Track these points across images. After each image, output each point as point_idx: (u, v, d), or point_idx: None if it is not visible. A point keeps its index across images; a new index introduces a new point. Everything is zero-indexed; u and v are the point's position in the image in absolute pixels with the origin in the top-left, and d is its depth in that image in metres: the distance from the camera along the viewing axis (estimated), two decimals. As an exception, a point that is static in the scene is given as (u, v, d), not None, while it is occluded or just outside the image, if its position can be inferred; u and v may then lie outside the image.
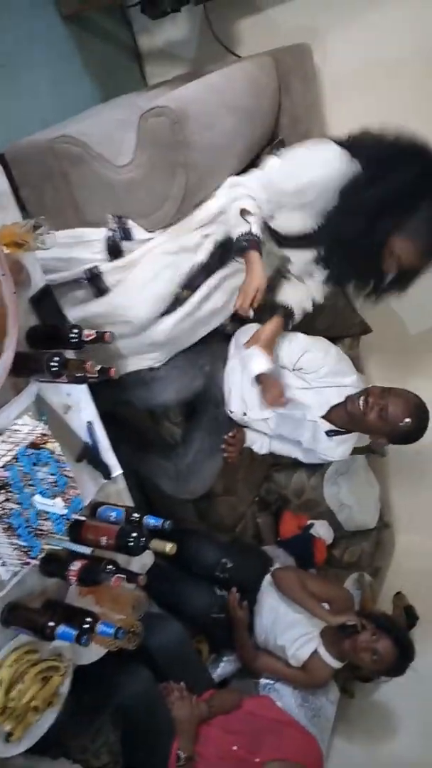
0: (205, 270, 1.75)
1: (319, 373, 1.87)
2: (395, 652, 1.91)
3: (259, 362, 1.78)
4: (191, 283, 1.74)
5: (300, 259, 1.82)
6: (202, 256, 1.72)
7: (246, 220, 1.60)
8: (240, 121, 1.78)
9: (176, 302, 1.73)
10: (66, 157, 1.66)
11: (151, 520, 1.44)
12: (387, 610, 2.55)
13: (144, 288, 1.67)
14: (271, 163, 1.70)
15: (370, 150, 1.58)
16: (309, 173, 1.60)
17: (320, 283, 1.88)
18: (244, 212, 1.61)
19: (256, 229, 1.59)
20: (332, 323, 2.29)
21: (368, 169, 1.55)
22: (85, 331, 1.29)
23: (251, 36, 2.23)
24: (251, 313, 1.60)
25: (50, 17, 2.06)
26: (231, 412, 2.03)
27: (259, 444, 2.10)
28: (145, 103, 1.78)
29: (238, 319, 2.14)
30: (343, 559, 2.62)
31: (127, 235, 1.66)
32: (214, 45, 2.23)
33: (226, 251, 1.75)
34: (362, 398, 1.78)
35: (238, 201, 1.62)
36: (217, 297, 1.81)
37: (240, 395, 1.99)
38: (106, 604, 1.44)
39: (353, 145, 1.60)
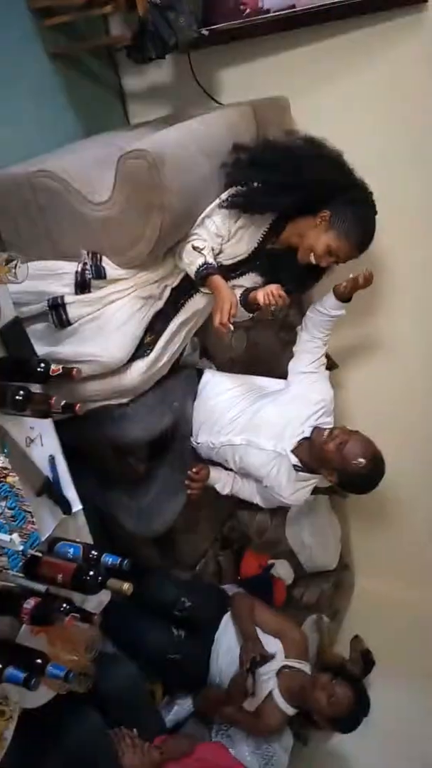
0: (164, 316, 1.81)
1: (317, 403, 1.93)
2: (352, 698, 1.91)
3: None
4: (153, 327, 1.78)
5: (248, 282, 1.94)
6: (161, 303, 1.79)
7: (200, 254, 1.71)
8: (217, 166, 1.82)
9: (141, 347, 1.76)
10: (44, 191, 1.68)
11: (109, 558, 1.42)
12: (344, 652, 2.54)
13: (119, 330, 1.69)
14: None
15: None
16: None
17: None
18: (195, 249, 1.72)
19: (210, 259, 1.73)
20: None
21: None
22: (52, 366, 1.29)
23: (233, 85, 2.32)
24: (231, 327, 1.67)
25: (37, 53, 2.10)
26: (198, 443, 2.03)
27: (221, 484, 2.11)
28: (126, 143, 1.82)
29: (207, 356, 2.18)
30: (302, 599, 2.61)
31: (98, 273, 1.67)
32: (196, 90, 2.30)
33: (179, 295, 1.83)
34: (329, 430, 1.85)
35: (189, 242, 1.74)
36: (177, 342, 1.88)
37: (212, 422, 2.00)
38: (59, 643, 1.40)
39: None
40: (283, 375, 2.05)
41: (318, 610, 2.64)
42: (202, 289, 1.80)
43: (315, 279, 2.01)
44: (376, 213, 1.81)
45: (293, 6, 2.05)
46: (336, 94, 2.11)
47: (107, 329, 1.68)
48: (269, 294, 1.75)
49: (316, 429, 1.87)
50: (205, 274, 1.70)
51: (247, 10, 2.11)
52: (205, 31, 2.11)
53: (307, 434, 1.88)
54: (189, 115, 2.07)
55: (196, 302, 1.90)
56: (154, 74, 2.41)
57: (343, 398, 2.69)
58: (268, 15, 2.09)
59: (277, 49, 2.19)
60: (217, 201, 1.79)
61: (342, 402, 2.69)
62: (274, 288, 1.76)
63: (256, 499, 2.09)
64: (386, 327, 2.50)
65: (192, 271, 1.73)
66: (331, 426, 1.92)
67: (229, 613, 2.13)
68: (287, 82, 2.17)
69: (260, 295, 1.77)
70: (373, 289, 1.96)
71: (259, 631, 2.01)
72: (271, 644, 2.00)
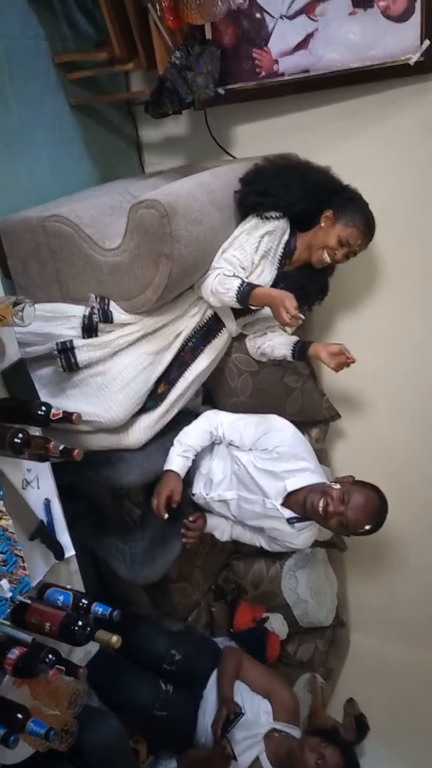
0: (180, 364, 1.84)
1: (275, 453, 1.86)
2: (342, 765, 1.83)
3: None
4: (167, 376, 1.81)
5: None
6: (173, 352, 1.81)
7: (234, 277, 1.78)
8: (227, 218, 1.87)
9: (152, 397, 1.78)
10: (56, 235, 1.71)
11: (99, 608, 1.40)
12: (338, 715, 2.45)
13: (124, 390, 1.71)
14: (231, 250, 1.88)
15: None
16: (249, 237, 1.88)
17: None
18: (227, 276, 1.78)
19: (244, 278, 1.81)
20: (301, 407, 2.32)
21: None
22: (53, 410, 1.29)
23: (246, 140, 2.39)
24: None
25: (59, 104, 2.18)
26: (193, 494, 2.01)
27: (220, 531, 2.07)
28: (139, 191, 1.87)
29: (211, 401, 2.18)
30: (295, 656, 2.53)
31: (106, 317, 1.69)
32: (211, 143, 2.37)
33: (197, 341, 1.88)
34: (321, 502, 1.76)
35: (215, 275, 1.80)
36: (189, 393, 1.89)
37: (206, 474, 1.98)
38: (42, 697, 1.35)
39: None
40: (288, 420, 2.02)
41: (311, 667, 2.55)
42: (250, 307, 1.82)
43: (325, 290, 2.15)
44: (368, 203, 1.95)
45: (307, 71, 2.13)
46: (344, 154, 2.17)
47: (112, 388, 1.70)
48: (340, 360, 1.89)
49: (308, 500, 1.79)
50: (248, 290, 1.75)
51: (263, 73, 2.19)
52: (221, 91, 2.19)
53: (290, 487, 1.84)
54: (202, 167, 2.13)
55: (214, 348, 1.94)
56: (170, 127, 2.49)
57: (343, 450, 2.69)
58: (283, 78, 2.17)
59: (290, 109, 2.26)
60: (231, 238, 1.88)
61: (340, 453, 2.69)
62: (338, 350, 1.89)
63: (259, 543, 2.05)
64: (385, 375, 2.51)
65: (232, 295, 1.76)
66: (308, 467, 1.88)
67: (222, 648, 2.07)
68: (298, 140, 2.24)
69: (329, 361, 1.90)
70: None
71: (247, 689, 1.94)
72: (260, 704, 1.93)
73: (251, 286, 1.76)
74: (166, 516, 1.81)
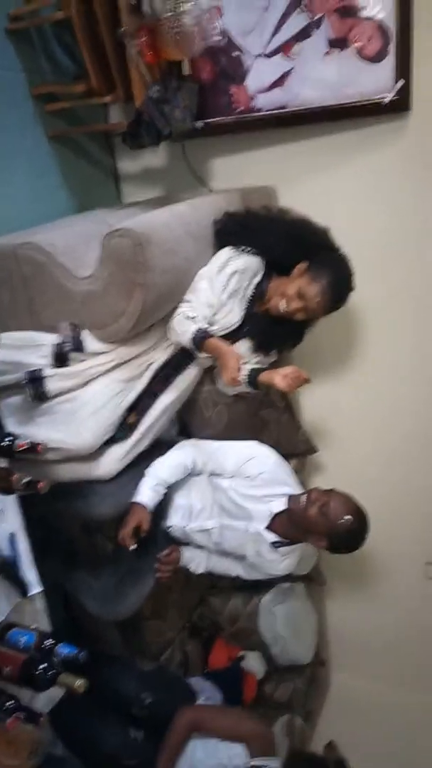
0: (150, 394, 1.82)
1: (259, 480, 1.85)
2: None
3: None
4: (137, 406, 1.79)
5: (241, 349, 1.96)
6: (144, 383, 1.79)
7: (192, 321, 1.76)
8: (203, 249, 1.86)
9: (123, 427, 1.75)
10: (28, 263, 1.69)
11: (64, 649, 1.33)
12: (317, 760, 2.36)
13: (93, 416, 1.68)
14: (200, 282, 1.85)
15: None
16: (218, 273, 1.85)
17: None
18: (188, 318, 1.76)
19: (203, 325, 1.77)
20: (277, 440, 2.29)
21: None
22: (18, 441, 1.25)
23: (223, 173, 2.41)
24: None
25: (37, 135, 2.19)
26: (169, 527, 1.96)
27: (195, 563, 2.02)
28: (115, 221, 1.86)
29: (185, 432, 2.14)
30: (273, 696, 2.45)
31: (78, 346, 1.66)
32: (188, 176, 2.39)
33: (168, 372, 1.86)
34: (304, 495, 1.79)
35: (179, 313, 1.78)
36: (161, 423, 1.87)
37: (184, 506, 1.95)
38: (0, 745, 1.28)
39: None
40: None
41: (290, 709, 2.47)
42: (200, 355, 1.81)
43: (298, 337, 2.06)
44: (351, 273, 1.88)
45: (283, 107, 2.17)
46: (321, 189, 2.22)
47: (81, 414, 1.67)
48: (290, 378, 1.76)
49: (291, 498, 1.82)
50: (201, 338, 1.74)
51: (240, 108, 2.23)
52: (199, 124, 2.22)
53: (274, 510, 1.83)
54: (179, 198, 2.14)
55: (185, 379, 1.91)
56: (148, 158, 2.51)
57: (320, 483, 2.65)
58: (260, 114, 2.21)
59: (266, 144, 2.30)
60: (206, 268, 1.86)
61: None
62: (291, 371, 1.77)
63: (235, 572, 2.01)
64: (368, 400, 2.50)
65: (187, 339, 1.75)
66: (290, 492, 1.86)
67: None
68: (275, 174, 2.27)
69: (280, 382, 1.77)
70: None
71: (217, 742, 1.85)
72: (233, 749, 1.84)
73: (205, 336, 1.74)
74: (133, 547, 1.75)
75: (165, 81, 2.03)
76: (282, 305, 1.86)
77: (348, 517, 1.74)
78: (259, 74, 2.17)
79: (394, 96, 2.02)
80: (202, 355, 1.82)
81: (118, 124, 2.31)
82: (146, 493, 1.80)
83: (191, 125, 2.15)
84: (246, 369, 1.86)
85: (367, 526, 1.81)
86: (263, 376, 1.85)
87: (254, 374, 1.90)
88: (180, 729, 1.86)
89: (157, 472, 1.84)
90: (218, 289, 1.83)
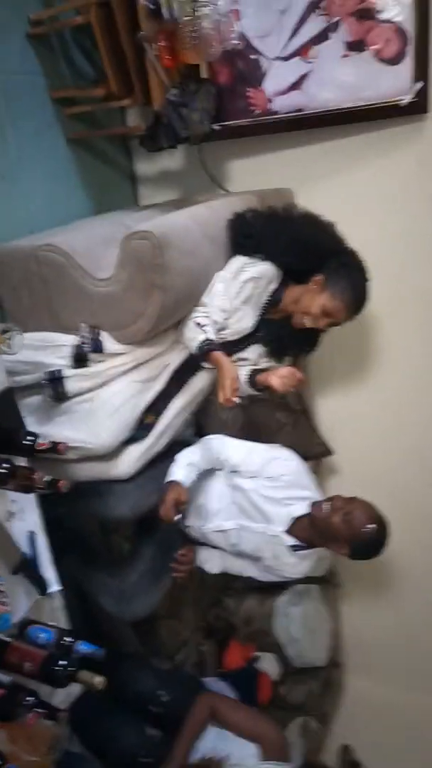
0: (166, 395, 1.81)
1: (281, 482, 1.84)
2: None
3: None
4: (154, 407, 1.79)
5: (253, 354, 1.96)
6: (160, 384, 1.79)
7: (202, 330, 1.74)
8: (221, 250, 1.87)
9: (141, 427, 1.75)
10: (48, 264, 1.71)
11: (83, 647, 1.34)
12: (332, 762, 2.36)
13: (112, 416, 1.69)
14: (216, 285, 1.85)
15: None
16: (233, 279, 1.83)
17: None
18: (198, 325, 1.75)
19: (212, 336, 1.75)
20: (294, 442, 2.29)
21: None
22: (39, 440, 1.26)
23: (240, 175, 2.43)
24: (237, 401, 1.68)
25: (55, 137, 2.22)
26: (187, 527, 1.97)
27: (211, 563, 2.03)
28: (133, 223, 1.88)
29: (201, 434, 2.15)
30: (288, 698, 2.45)
31: (97, 347, 1.68)
32: (205, 177, 2.40)
33: (183, 374, 1.85)
34: (328, 503, 1.77)
35: (192, 318, 1.77)
36: (177, 423, 1.86)
37: (201, 506, 1.95)
38: (20, 741, 1.29)
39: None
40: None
41: (305, 711, 2.47)
42: (204, 365, 1.82)
43: (313, 344, 2.05)
44: (368, 278, 1.86)
45: (301, 109, 2.18)
46: (338, 191, 2.22)
47: (100, 415, 1.68)
48: (285, 378, 1.76)
49: (314, 505, 1.81)
50: (206, 350, 1.72)
51: (257, 111, 2.24)
52: (217, 127, 2.23)
53: (295, 513, 1.83)
54: (196, 200, 2.15)
55: (201, 380, 1.91)
56: (165, 161, 2.53)
57: (336, 486, 2.65)
58: (277, 116, 2.22)
59: (283, 146, 2.30)
60: (223, 272, 1.85)
61: (333, 490, 2.64)
62: (286, 372, 1.77)
63: (249, 572, 2.00)
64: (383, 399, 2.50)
65: (193, 347, 1.75)
66: (311, 496, 1.86)
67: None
68: (292, 176, 2.28)
69: (275, 382, 1.78)
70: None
71: (232, 735, 1.85)
72: (245, 748, 1.84)
73: (210, 347, 1.73)
74: (178, 517, 1.71)
75: (183, 84, 2.05)
76: (308, 323, 1.85)
77: (371, 525, 1.72)
78: (276, 77, 2.18)
79: (413, 98, 2.02)
80: (206, 365, 1.80)
81: (136, 127, 2.33)
82: (179, 472, 1.77)
83: (209, 128, 2.16)
84: (246, 371, 1.89)
85: (388, 534, 1.78)
86: (261, 377, 1.87)
87: (254, 375, 1.91)
88: (199, 713, 1.86)
89: (188, 455, 1.83)
90: (232, 295, 1.83)
